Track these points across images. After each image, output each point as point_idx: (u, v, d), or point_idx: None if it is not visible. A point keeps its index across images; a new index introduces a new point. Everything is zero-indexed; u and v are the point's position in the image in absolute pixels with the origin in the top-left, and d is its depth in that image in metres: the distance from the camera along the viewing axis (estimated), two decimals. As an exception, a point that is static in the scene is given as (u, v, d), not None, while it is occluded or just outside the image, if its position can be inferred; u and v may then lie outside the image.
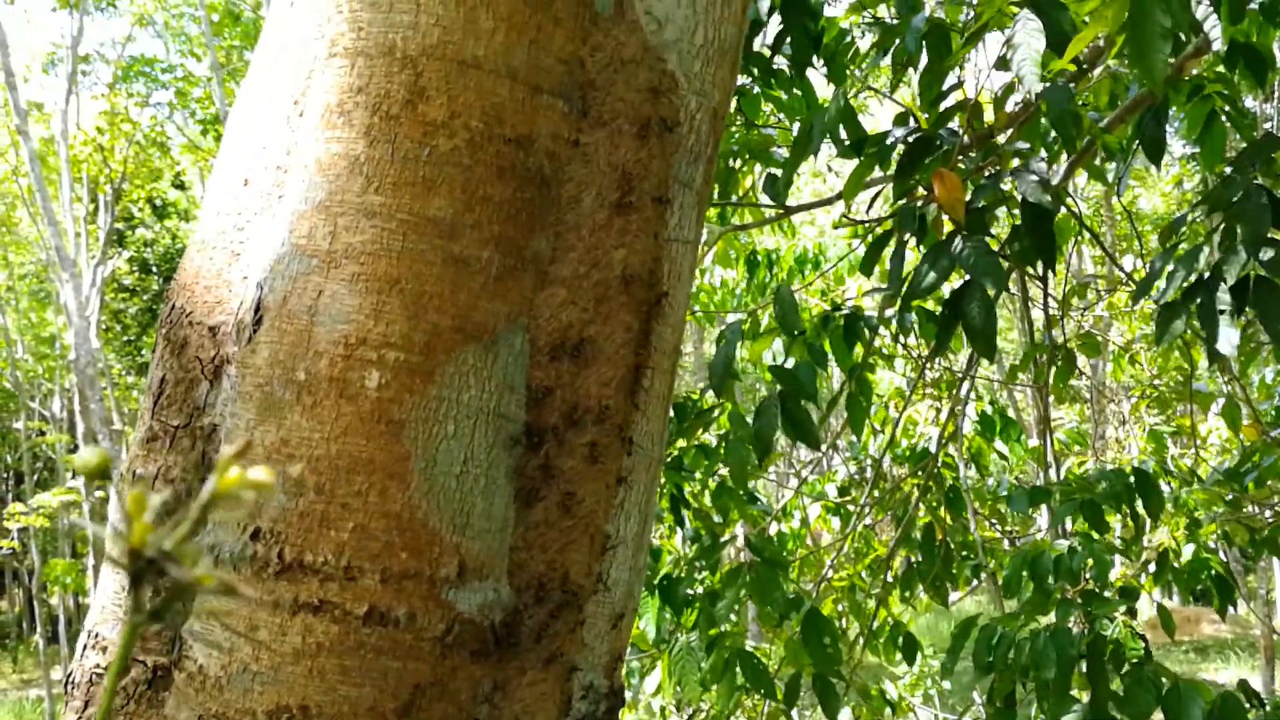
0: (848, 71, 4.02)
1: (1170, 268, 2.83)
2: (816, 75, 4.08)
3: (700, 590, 4.29)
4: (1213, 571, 4.98)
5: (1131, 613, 3.94)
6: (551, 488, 1.19)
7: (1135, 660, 3.30)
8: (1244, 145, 3.20)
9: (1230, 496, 5.29)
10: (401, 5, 1.15)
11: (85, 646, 1.21)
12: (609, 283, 1.22)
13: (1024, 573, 3.69)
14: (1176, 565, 5.12)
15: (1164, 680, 3.09)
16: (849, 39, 3.96)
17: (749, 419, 3.90)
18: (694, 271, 1.35)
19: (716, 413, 4.05)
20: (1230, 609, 5.06)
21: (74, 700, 1.19)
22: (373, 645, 1.09)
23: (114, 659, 1.15)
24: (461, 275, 1.14)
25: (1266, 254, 2.59)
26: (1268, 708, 3.35)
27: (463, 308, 1.14)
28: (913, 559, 5.08)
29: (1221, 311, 2.67)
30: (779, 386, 3.55)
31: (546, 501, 1.19)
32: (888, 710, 5.62)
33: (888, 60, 3.61)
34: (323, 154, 1.15)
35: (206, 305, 1.22)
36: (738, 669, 3.92)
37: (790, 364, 3.78)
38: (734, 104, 4.24)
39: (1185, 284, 2.75)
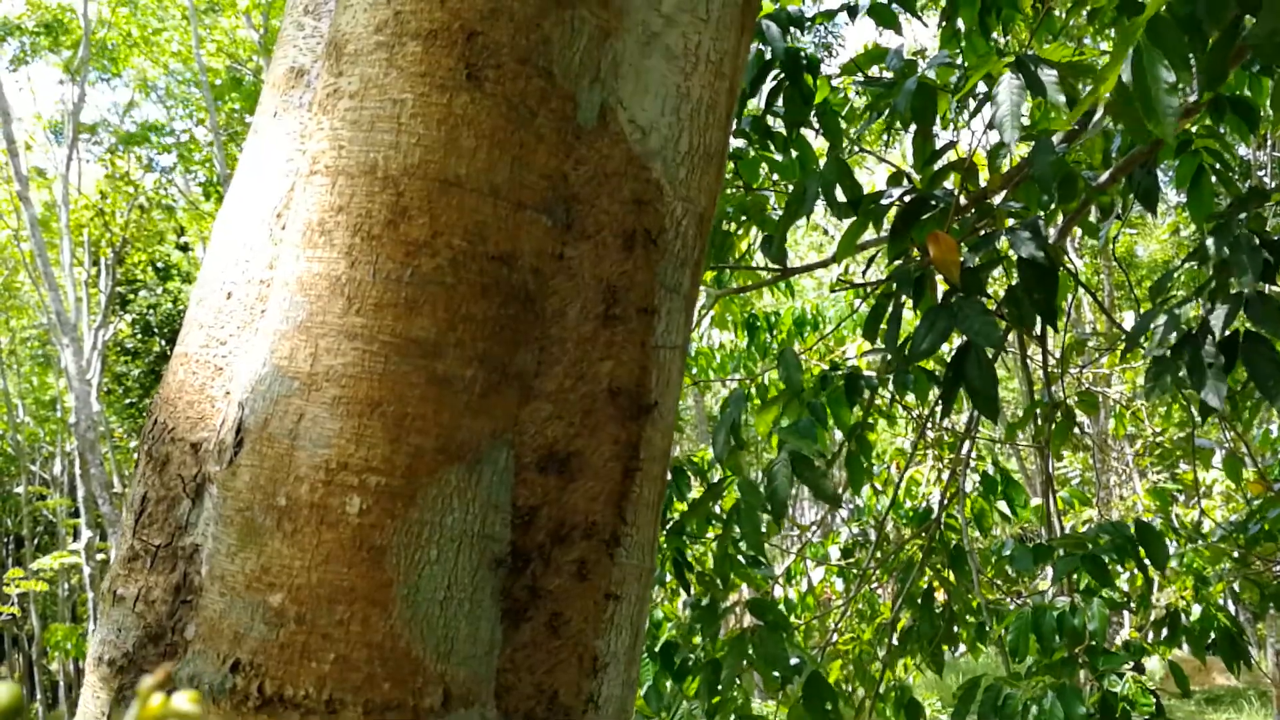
0: (842, 129, 4.05)
1: (1158, 322, 2.83)
2: (812, 135, 4.11)
3: (700, 656, 4.24)
4: (1222, 627, 4.94)
5: (1139, 668, 3.90)
6: (539, 608, 1.16)
7: (1147, 716, 3.26)
8: (1232, 196, 3.22)
9: (1236, 553, 5.26)
10: (382, 124, 1.15)
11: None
12: (596, 395, 1.20)
13: (1029, 634, 3.65)
14: (1186, 624, 5.08)
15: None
16: (842, 96, 3.99)
17: (755, 482, 3.89)
18: (683, 373, 1.33)
19: (724, 484, 4.02)
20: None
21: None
22: (355, 780, 1.06)
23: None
24: (445, 395, 1.12)
25: (1255, 306, 2.59)
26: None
27: (446, 428, 1.12)
28: (917, 621, 5.04)
29: (1209, 365, 2.67)
30: (786, 449, 3.55)
31: (534, 622, 1.16)
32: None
33: (882, 117, 3.64)
34: (304, 273, 1.14)
35: (189, 421, 1.20)
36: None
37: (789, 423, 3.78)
38: (730, 166, 4.26)
39: (1174, 338, 2.76)
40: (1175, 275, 3.30)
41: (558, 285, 1.20)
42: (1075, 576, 3.90)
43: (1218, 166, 3.49)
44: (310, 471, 1.10)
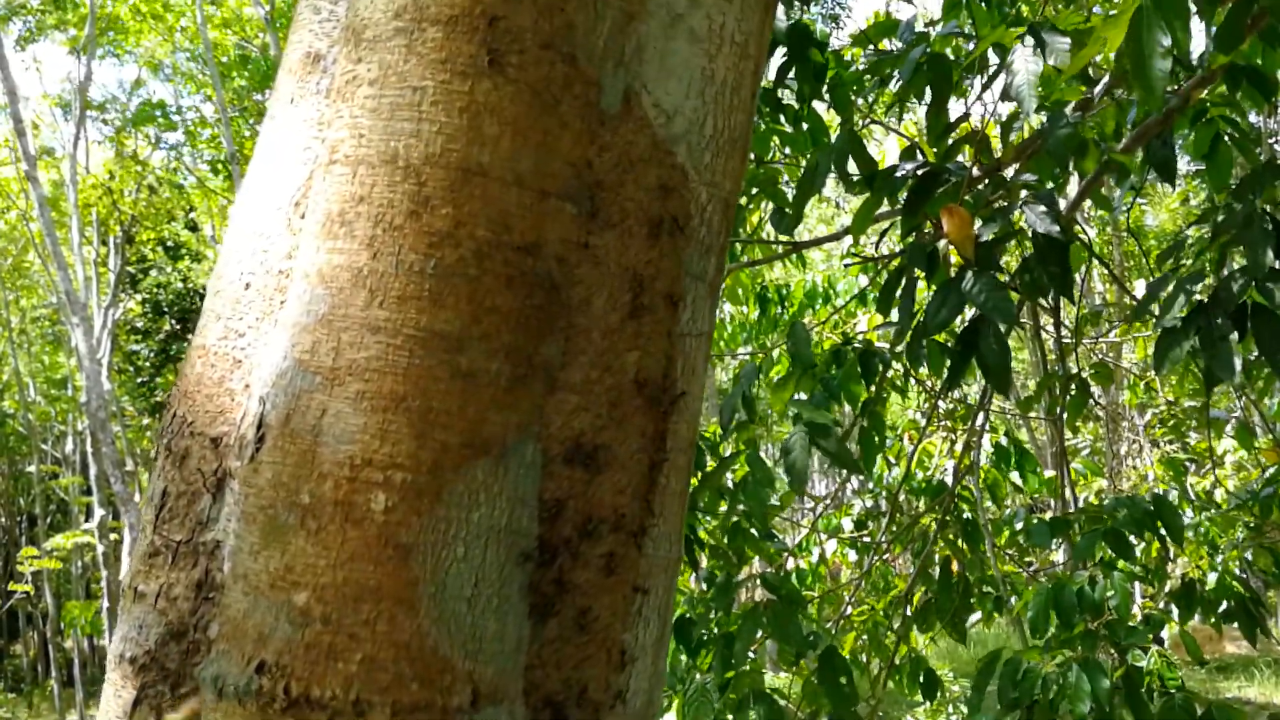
0: (853, 102, 4.01)
1: (1169, 291, 2.81)
2: (822, 106, 4.08)
3: (715, 631, 4.24)
4: (1238, 596, 4.93)
5: (1159, 641, 3.89)
6: (566, 602, 1.14)
7: (1172, 690, 3.24)
8: (1250, 164, 3.19)
9: (1251, 521, 5.26)
10: (402, 112, 1.12)
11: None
12: (622, 387, 1.18)
13: (1049, 609, 3.64)
14: (1202, 593, 5.07)
15: (1197, 707, 3.03)
16: (853, 69, 3.95)
17: (762, 458, 3.90)
18: (708, 359, 1.31)
19: (736, 458, 4.02)
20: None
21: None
22: (384, 782, 1.04)
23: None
24: (470, 389, 1.10)
25: (1267, 283, 2.57)
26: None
27: (471, 422, 1.10)
28: (931, 594, 5.03)
29: (1222, 337, 2.65)
30: (802, 422, 3.54)
31: (561, 617, 1.14)
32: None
33: (893, 86, 3.61)
34: (325, 265, 1.12)
35: (209, 415, 1.18)
36: (753, 711, 3.89)
37: (802, 397, 3.78)
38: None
39: (1185, 309, 2.73)
40: (1187, 245, 3.28)
41: (583, 275, 1.17)
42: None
43: (1234, 134, 3.46)
44: (334, 468, 1.08)
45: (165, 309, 22.06)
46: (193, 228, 22.85)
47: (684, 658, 4.28)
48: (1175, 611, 5.14)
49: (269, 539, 1.09)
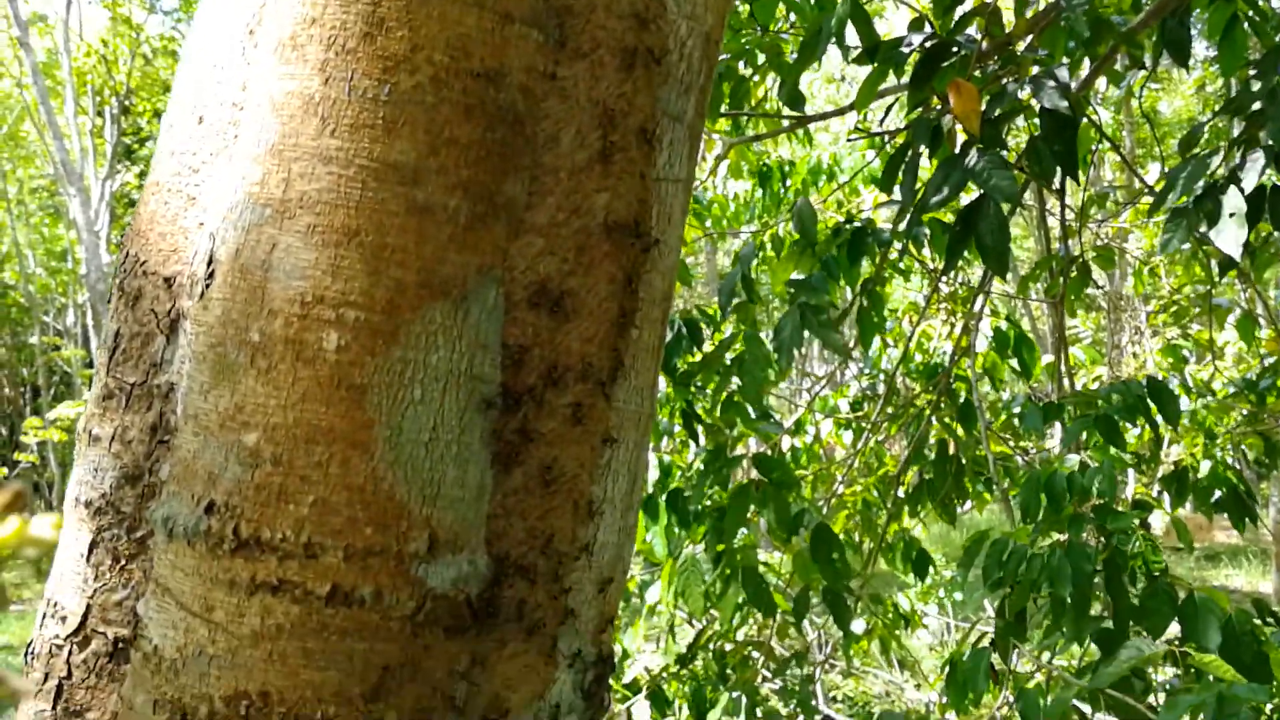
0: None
1: (1185, 175, 2.74)
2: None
3: (709, 505, 4.26)
4: (1230, 484, 4.93)
5: (1146, 526, 3.89)
6: (531, 452, 1.11)
7: (1156, 574, 3.26)
8: (1265, 50, 3.09)
9: (1247, 410, 5.25)
10: (355, -75, 1.04)
11: (44, 615, 1.15)
12: (591, 230, 1.12)
13: (1039, 494, 3.63)
14: (1194, 479, 5.08)
15: (1180, 592, 3.04)
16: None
17: (759, 335, 3.87)
18: (686, 210, 1.25)
19: (734, 338, 3.98)
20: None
21: (34, 671, 1.13)
22: (337, 626, 1.02)
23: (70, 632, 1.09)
24: (427, 225, 1.04)
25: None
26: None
27: (429, 261, 1.04)
28: (925, 474, 5.05)
29: (1231, 214, 2.59)
30: (797, 300, 3.51)
31: (526, 466, 1.10)
32: (900, 621, 5.66)
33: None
34: (276, 92, 1.05)
35: (162, 254, 1.13)
36: (740, 585, 3.93)
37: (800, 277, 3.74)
38: (745, 8, 4.11)
39: (1197, 190, 2.67)
40: (1205, 128, 3.18)
41: (550, 108, 1.10)
42: (1085, 435, 3.86)
43: (1253, 16, 3.34)
44: (285, 305, 1.03)
45: (164, 181, 21.78)
46: (191, 99, 22.42)
47: (677, 529, 4.31)
48: (1166, 498, 5.16)
49: (219, 378, 1.05)
